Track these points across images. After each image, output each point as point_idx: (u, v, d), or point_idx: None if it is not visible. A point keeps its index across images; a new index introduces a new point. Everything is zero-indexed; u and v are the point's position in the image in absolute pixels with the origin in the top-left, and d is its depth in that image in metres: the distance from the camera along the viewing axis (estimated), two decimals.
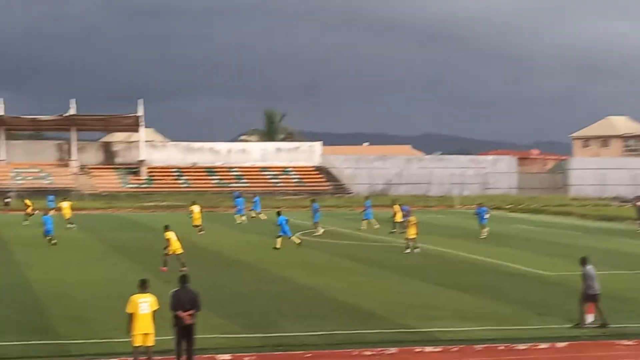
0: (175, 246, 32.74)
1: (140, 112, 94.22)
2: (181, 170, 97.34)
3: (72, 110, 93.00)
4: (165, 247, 32.94)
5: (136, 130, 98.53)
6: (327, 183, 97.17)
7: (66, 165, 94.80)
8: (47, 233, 43.30)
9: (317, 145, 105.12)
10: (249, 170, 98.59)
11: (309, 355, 19.23)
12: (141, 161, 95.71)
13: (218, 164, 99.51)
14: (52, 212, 50.92)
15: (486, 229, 47.17)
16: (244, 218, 58.42)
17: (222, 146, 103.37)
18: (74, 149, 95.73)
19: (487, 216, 47.92)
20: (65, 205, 53.75)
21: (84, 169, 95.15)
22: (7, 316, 22.80)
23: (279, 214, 41.42)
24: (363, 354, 19.43)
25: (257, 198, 63.91)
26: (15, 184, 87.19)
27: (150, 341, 17.19)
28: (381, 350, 19.64)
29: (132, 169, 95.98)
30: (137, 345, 17.14)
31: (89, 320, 22.50)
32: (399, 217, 49.71)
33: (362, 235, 48.28)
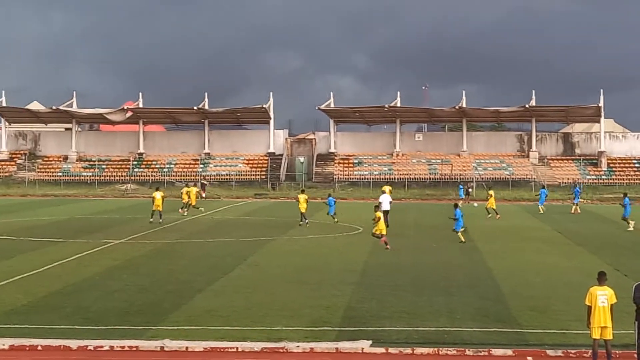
0: (381, 227, 36.47)
1: (601, 102, 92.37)
2: None
3: (533, 102, 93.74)
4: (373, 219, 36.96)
5: (597, 121, 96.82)
6: None
7: (526, 156, 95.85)
8: (329, 212, 48.40)
9: None
10: None
11: None
12: (601, 152, 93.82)
13: None
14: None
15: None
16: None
17: None
18: (533, 140, 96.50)
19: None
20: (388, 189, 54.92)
21: (543, 159, 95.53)
22: (469, 303, 23.66)
23: (456, 206, 40.87)
24: None
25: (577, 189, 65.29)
26: (477, 174, 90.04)
27: (609, 334, 16.95)
28: None
29: (592, 160, 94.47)
30: (595, 337, 17.01)
31: (547, 310, 22.66)
32: None
33: None
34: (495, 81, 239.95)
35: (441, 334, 19.84)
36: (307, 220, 47.55)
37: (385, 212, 45.45)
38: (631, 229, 45.72)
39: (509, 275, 29.12)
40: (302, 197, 48.28)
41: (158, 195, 48.55)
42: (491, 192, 56.18)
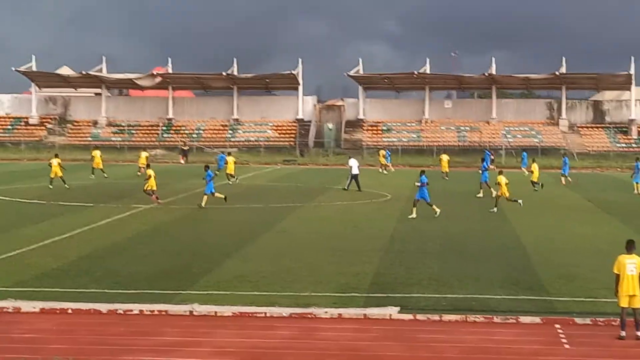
0: (152, 183, 40.06)
1: (632, 70, 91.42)
2: None
3: (563, 69, 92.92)
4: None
5: (627, 89, 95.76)
6: None
7: (555, 124, 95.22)
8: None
9: None
10: None
11: None
12: (631, 120, 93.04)
13: None
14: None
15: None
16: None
17: None
18: (563, 108, 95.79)
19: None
20: (231, 160, 56.82)
21: (572, 127, 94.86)
22: (498, 272, 23.60)
23: (206, 168, 39.94)
24: None
25: None
26: (506, 141, 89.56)
27: (637, 303, 16.86)
28: None
29: (622, 128, 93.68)
30: (623, 306, 16.96)
31: (575, 278, 22.62)
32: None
33: None
34: (525, 48, 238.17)
35: (469, 301, 19.87)
36: (236, 179, 54.34)
37: (355, 176, 48.42)
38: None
39: (538, 243, 29.05)
40: (231, 159, 56.01)
41: (55, 162, 49.09)
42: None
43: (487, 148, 77.56)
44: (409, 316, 18.47)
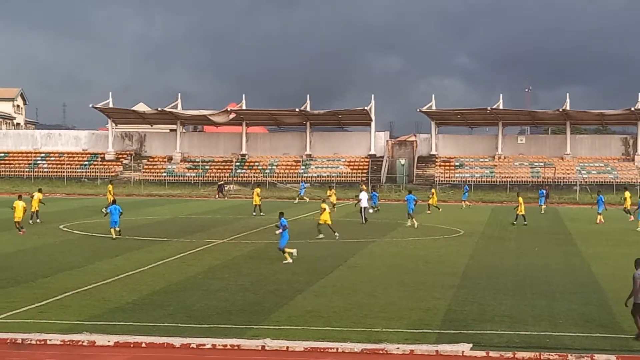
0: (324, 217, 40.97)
1: None
2: None
3: (639, 104, 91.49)
4: None
5: None
6: None
7: (631, 160, 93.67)
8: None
9: None
10: None
11: None
12: None
13: None
14: None
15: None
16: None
17: None
18: (639, 143, 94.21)
19: None
20: (257, 191, 58.12)
21: None
22: (572, 308, 23.28)
23: (114, 201, 42.51)
24: None
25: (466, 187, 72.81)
26: (580, 177, 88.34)
27: None
28: None
29: None
30: None
31: None
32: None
33: None
34: (600, 84, 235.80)
35: (543, 338, 19.58)
36: (262, 213, 55.20)
37: (364, 208, 51.28)
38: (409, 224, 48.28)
39: (613, 280, 28.51)
40: (257, 191, 57.30)
41: (36, 196, 47.82)
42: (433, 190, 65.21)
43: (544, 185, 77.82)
44: (482, 353, 18.26)
